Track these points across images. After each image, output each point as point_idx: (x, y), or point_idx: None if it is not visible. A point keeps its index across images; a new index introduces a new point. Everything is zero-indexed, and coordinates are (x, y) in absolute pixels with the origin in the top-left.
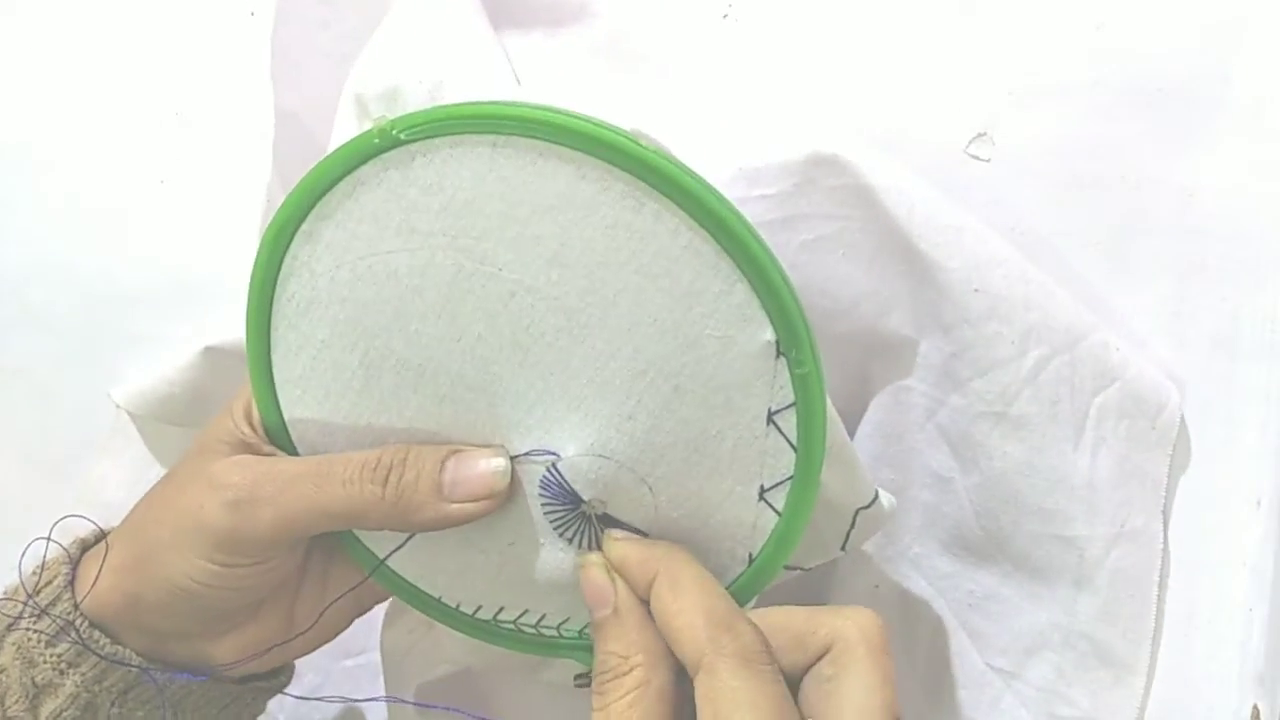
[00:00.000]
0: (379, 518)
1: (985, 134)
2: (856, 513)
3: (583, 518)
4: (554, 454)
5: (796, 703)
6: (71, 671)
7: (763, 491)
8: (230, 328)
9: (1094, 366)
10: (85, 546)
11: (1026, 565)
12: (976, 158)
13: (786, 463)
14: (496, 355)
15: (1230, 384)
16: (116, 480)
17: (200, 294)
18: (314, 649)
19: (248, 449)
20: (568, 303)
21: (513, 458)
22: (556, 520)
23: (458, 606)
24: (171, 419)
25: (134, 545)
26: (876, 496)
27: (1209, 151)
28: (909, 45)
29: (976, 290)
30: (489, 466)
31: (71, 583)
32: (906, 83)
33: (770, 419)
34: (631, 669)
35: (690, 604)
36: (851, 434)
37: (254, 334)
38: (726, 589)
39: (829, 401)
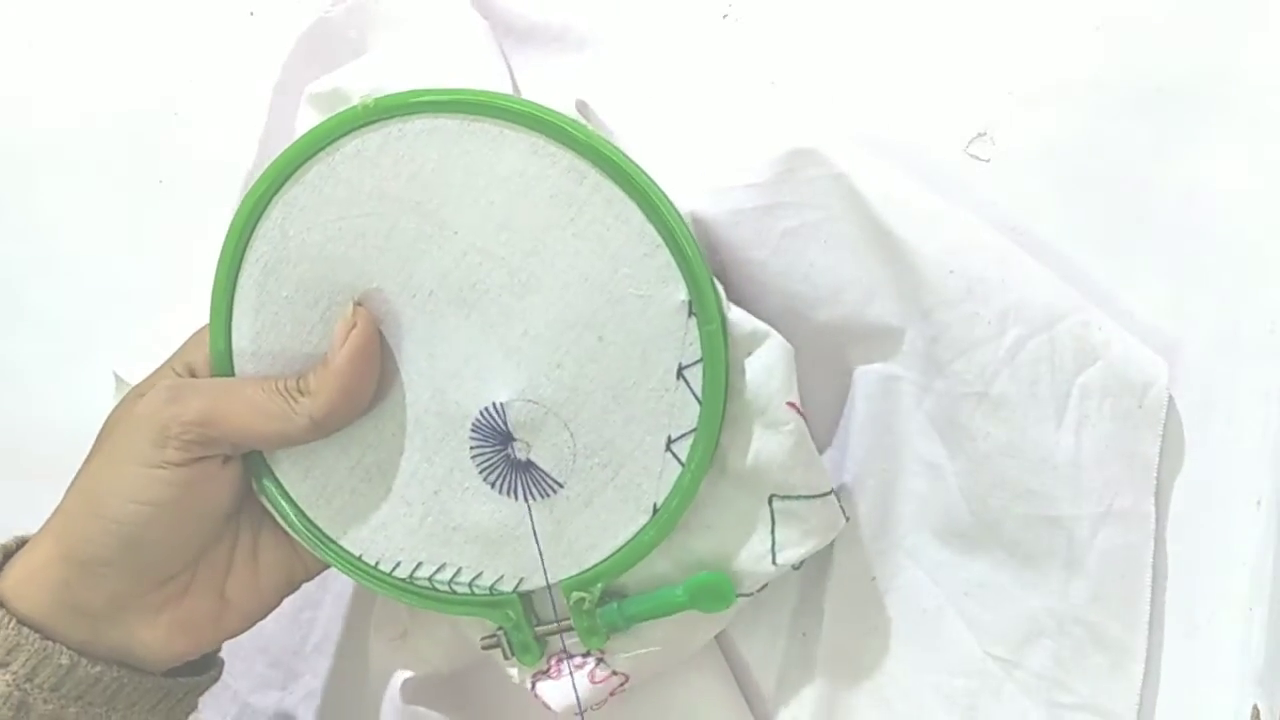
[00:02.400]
0: (289, 415)
1: (985, 134)
2: (771, 499)
3: (508, 462)
4: (490, 399)
5: None
6: (2, 671)
7: (669, 442)
8: None
9: (1075, 346)
10: (8, 552)
11: (1018, 550)
12: (977, 158)
13: (691, 416)
14: (444, 309)
15: (1230, 384)
16: None
17: (200, 294)
18: (247, 627)
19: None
20: (512, 262)
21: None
22: (484, 463)
23: (376, 564)
24: None
25: (63, 523)
26: (830, 492)
27: (1209, 151)
28: (909, 45)
29: (952, 272)
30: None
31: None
32: (906, 83)
33: (680, 374)
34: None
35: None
36: (837, 422)
37: (220, 289)
38: (631, 539)
39: (735, 361)
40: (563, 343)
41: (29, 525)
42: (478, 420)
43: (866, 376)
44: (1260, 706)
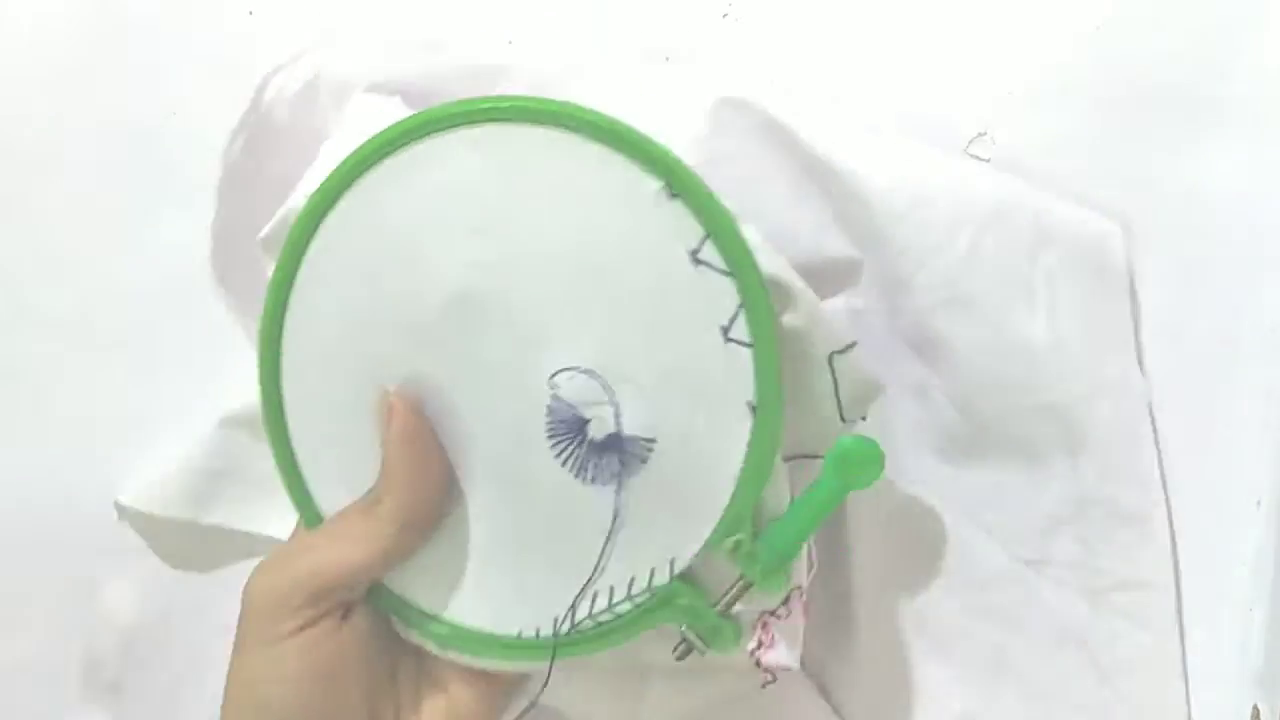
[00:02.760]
0: (382, 542)
1: (985, 134)
2: (832, 358)
3: (594, 448)
4: (552, 389)
5: None
6: None
7: (725, 333)
8: (241, 392)
9: (1029, 234)
10: None
11: (1020, 446)
12: (977, 158)
13: (730, 292)
14: (474, 325)
15: (1230, 383)
16: (129, 603)
17: (200, 294)
18: None
19: None
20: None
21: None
22: (575, 465)
23: (538, 633)
24: (187, 509)
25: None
26: (853, 344)
27: (1209, 151)
28: (909, 45)
29: (894, 189)
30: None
31: None
32: (907, 82)
33: (694, 258)
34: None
35: None
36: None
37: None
38: (748, 451)
39: (748, 230)
40: (588, 304)
41: (30, 527)
42: (550, 413)
43: (837, 313)
44: (1260, 706)
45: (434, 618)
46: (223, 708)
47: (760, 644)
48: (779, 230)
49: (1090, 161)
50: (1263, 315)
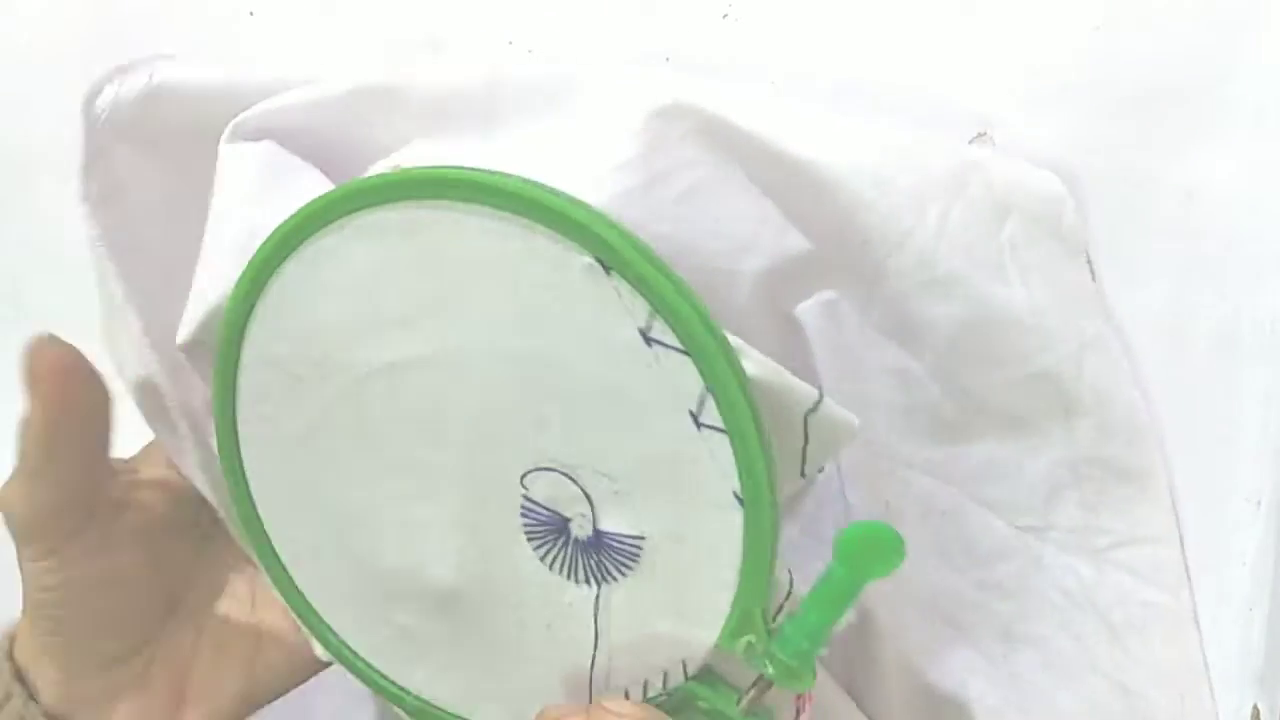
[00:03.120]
0: None
1: (985, 134)
2: (806, 417)
3: (581, 548)
4: (521, 490)
5: None
6: None
7: (695, 419)
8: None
9: (987, 205)
10: (12, 637)
11: (1013, 418)
12: None
13: (693, 373)
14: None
15: (1231, 384)
16: None
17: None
18: None
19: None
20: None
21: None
22: (564, 569)
23: None
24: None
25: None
26: (821, 397)
27: (1209, 151)
28: (909, 45)
29: (855, 172)
30: None
31: (19, 676)
32: (907, 82)
33: (645, 338)
34: None
35: None
36: (795, 368)
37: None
38: (744, 545)
39: (694, 299)
40: (542, 398)
41: None
42: (525, 519)
43: (809, 311)
44: (1260, 706)
45: (407, 693)
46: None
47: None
48: (739, 234)
49: (1090, 161)
50: (1263, 315)
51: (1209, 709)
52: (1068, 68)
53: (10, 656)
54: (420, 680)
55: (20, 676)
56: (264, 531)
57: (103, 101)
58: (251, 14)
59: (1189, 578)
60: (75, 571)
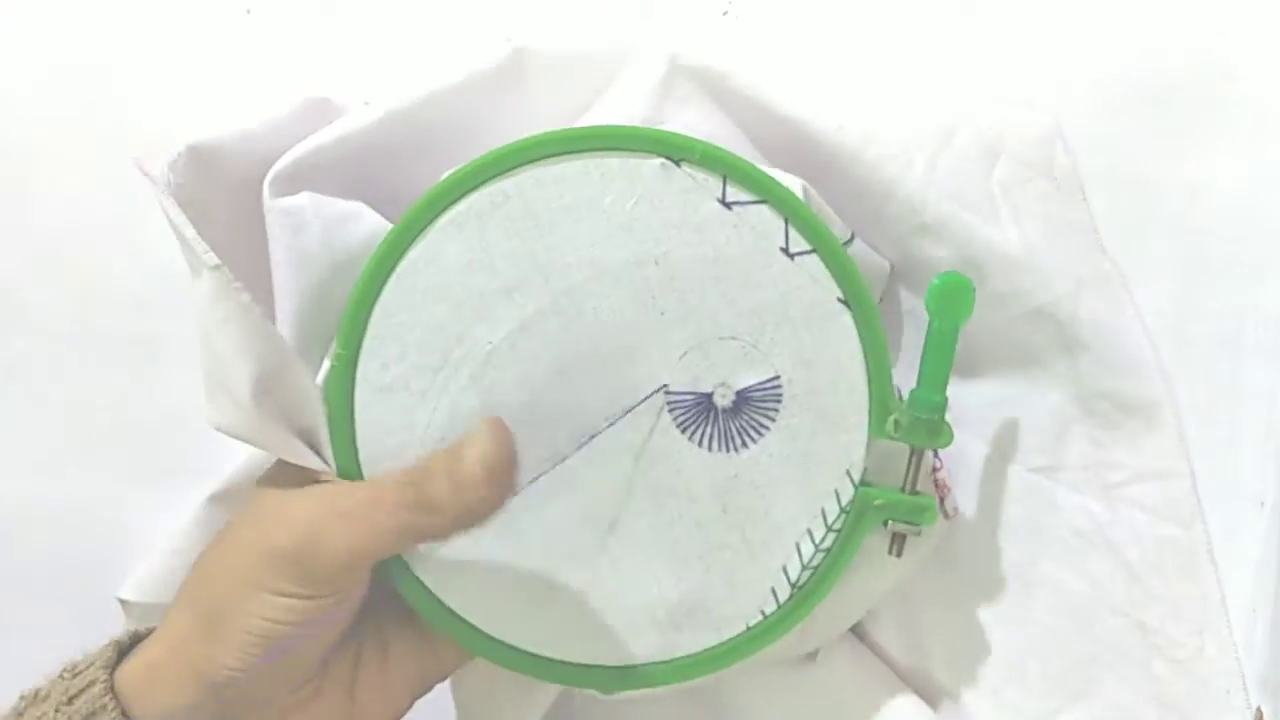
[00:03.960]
0: (418, 527)
1: None
2: (848, 239)
3: (728, 415)
4: (661, 386)
5: None
6: None
7: (786, 251)
8: (224, 467)
9: (976, 150)
10: (121, 650)
11: (1017, 357)
12: None
13: (770, 215)
14: (574, 323)
15: (1234, 384)
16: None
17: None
18: None
19: (309, 481)
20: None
21: (614, 423)
22: (720, 441)
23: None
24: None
25: (199, 603)
26: (851, 236)
27: (1212, 151)
28: (909, 44)
29: (841, 127)
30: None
31: (111, 689)
32: (909, 81)
33: (724, 203)
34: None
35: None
36: None
37: (340, 374)
38: (860, 344)
39: (749, 162)
40: (653, 294)
41: (28, 527)
42: (671, 404)
43: None
44: (1264, 708)
45: (605, 669)
46: (169, 625)
47: (942, 499)
48: None
49: (1091, 161)
50: (1265, 315)
51: (1227, 641)
52: (1069, 67)
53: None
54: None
55: (114, 691)
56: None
57: (158, 172)
58: (249, 12)
59: (1201, 511)
60: (326, 621)
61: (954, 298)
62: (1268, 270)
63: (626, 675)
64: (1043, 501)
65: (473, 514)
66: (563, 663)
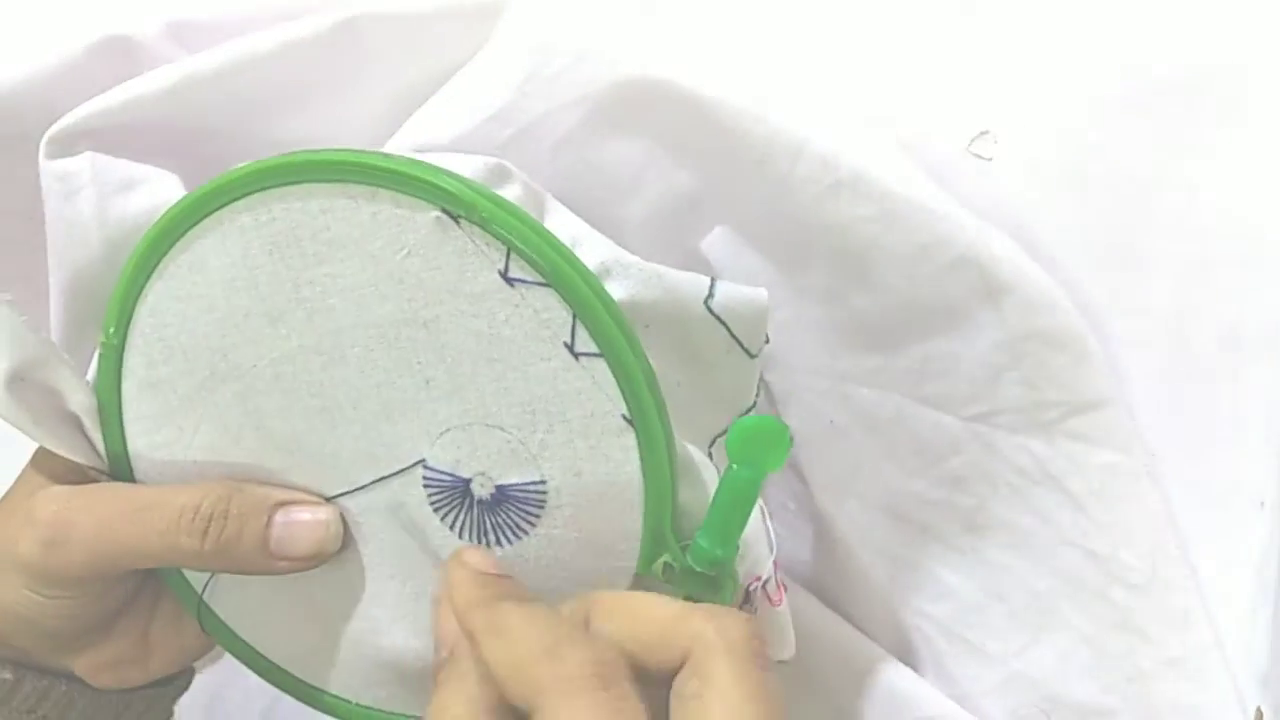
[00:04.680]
0: (200, 565)
1: (987, 133)
2: (708, 304)
3: (484, 507)
4: (420, 460)
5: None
6: None
7: (570, 349)
8: None
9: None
10: None
11: (942, 309)
12: (979, 156)
13: (557, 304)
14: (337, 390)
15: (1234, 384)
16: None
17: None
18: (175, 669)
19: (78, 473)
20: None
21: (369, 484)
22: (471, 531)
23: None
24: None
25: None
26: (713, 281)
27: (1213, 150)
28: (910, 43)
29: (734, 90)
30: (316, 519)
31: None
32: (908, 81)
33: (505, 278)
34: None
35: (513, 645)
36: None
37: (108, 362)
38: (642, 466)
39: (544, 231)
40: (414, 355)
41: None
42: (426, 480)
43: (713, 246)
44: (1264, 708)
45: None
46: None
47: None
48: (619, 186)
49: (1092, 160)
50: (1267, 315)
51: (1176, 558)
52: (1070, 66)
53: None
54: (342, 684)
55: None
56: None
57: None
58: None
59: (1137, 434)
60: (93, 609)
61: (763, 445)
62: (1269, 271)
63: (368, 714)
64: (982, 448)
65: (263, 572)
66: (308, 684)
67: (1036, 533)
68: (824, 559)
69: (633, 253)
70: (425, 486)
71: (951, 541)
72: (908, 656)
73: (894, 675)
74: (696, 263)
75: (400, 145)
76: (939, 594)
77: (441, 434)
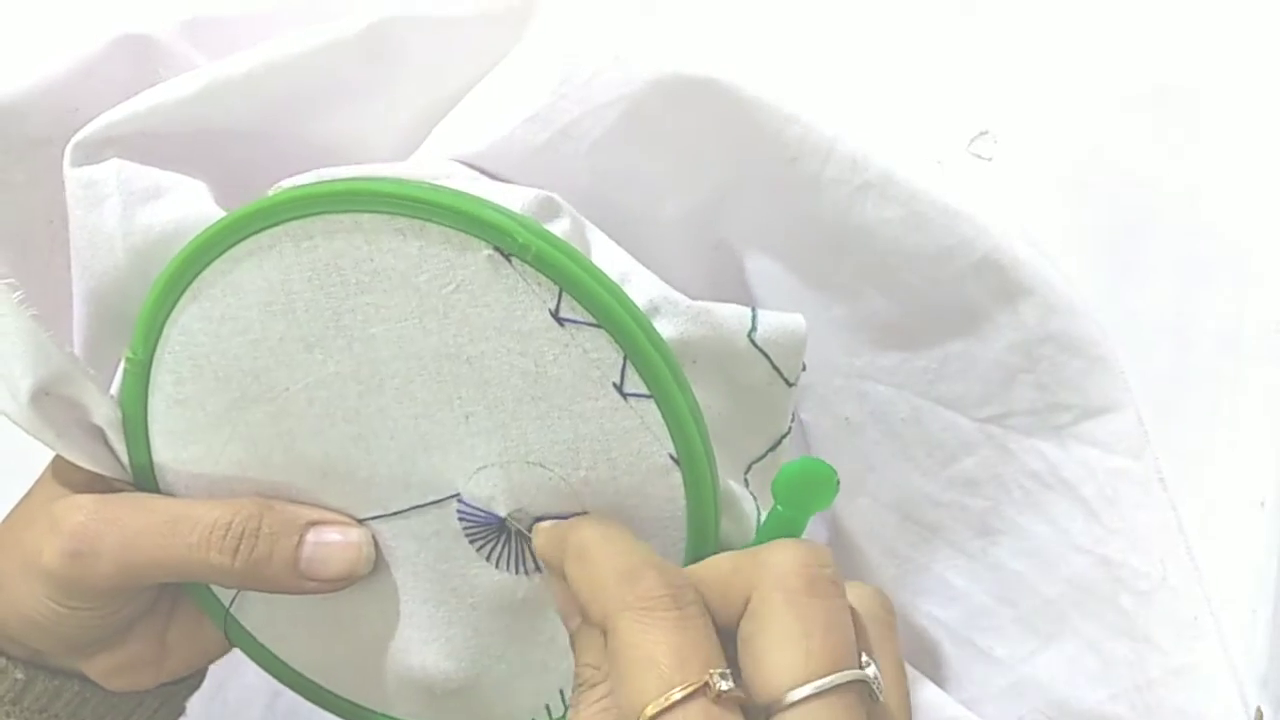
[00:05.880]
0: (229, 583)
1: (988, 132)
2: (751, 338)
3: (520, 538)
4: (455, 494)
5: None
6: None
7: (619, 389)
8: None
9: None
10: None
11: (961, 310)
12: (980, 156)
13: (608, 345)
14: (374, 419)
15: (1234, 384)
16: None
17: None
18: (190, 671)
19: (101, 482)
20: (432, 364)
21: (401, 512)
22: (508, 561)
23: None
24: None
25: None
26: (755, 313)
27: (1213, 150)
28: (911, 43)
29: (769, 88)
30: (348, 540)
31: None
32: (909, 81)
33: (556, 318)
34: (604, 678)
35: (593, 568)
36: (731, 291)
37: (134, 378)
38: (687, 507)
39: (597, 272)
40: (454, 387)
41: None
42: (461, 513)
43: (744, 240)
44: (1264, 708)
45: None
46: None
47: None
48: (655, 187)
49: (1093, 160)
50: (1264, 315)
51: (1188, 567)
52: (1070, 66)
53: None
54: (369, 696)
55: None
56: None
57: None
58: None
59: (1149, 440)
60: (112, 620)
61: (811, 490)
62: (1268, 271)
63: None
64: (995, 450)
65: (294, 592)
66: (334, 695)
67: (1048, 538)
68: (842, 563)
69: (664, 251)
70: (460, 520)
71: (962, 545)
72: (915, 659)
73: None
74: (724, 259)
75: (436, 150)
76: (948, 597)
77: (478, 470)
